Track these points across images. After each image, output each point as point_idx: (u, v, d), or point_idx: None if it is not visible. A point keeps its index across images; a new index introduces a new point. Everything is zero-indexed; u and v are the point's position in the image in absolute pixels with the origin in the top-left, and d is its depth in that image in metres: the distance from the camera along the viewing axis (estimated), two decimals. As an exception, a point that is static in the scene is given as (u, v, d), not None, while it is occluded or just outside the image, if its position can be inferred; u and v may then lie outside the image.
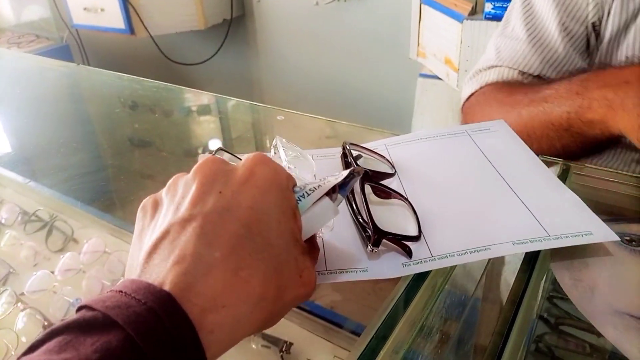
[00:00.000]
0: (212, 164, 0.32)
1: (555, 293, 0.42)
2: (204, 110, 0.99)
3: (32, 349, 0.23)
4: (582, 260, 0.40)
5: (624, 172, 0.51)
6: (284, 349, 0.53)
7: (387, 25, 1.90)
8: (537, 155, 0.50)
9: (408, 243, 0.38)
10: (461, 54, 1.45)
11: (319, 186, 0.34)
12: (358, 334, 0.38)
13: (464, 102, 0.78)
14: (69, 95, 1.16)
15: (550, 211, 0.41)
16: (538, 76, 0.71)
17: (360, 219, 0.41)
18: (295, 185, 0.35)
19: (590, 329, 0.36)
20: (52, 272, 0.66)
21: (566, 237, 0.38)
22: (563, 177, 0.50)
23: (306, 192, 0.34)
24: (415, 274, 0.37)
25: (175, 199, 0.31)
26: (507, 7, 0.77)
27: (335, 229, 0.42)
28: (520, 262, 0.41)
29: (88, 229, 0.74)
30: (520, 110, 0.63)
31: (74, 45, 2.65)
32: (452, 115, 1.60)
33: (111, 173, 0.85)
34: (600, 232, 0.39)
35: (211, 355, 0.26)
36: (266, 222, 0.30)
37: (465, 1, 1.47)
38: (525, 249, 0.38)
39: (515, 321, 0.36)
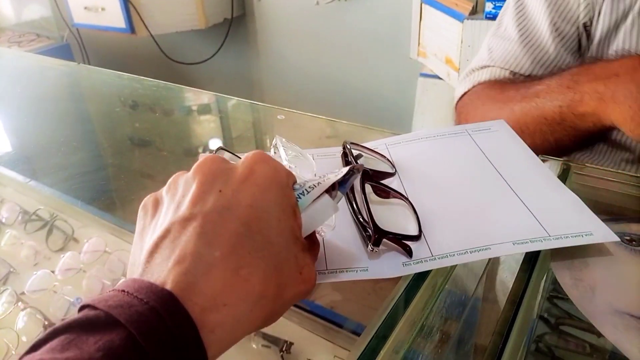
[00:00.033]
0: (212, 163, 0.32)
1: (556, 293, 0.42)
2: (205, 109, 0.99)
3: (34, 347, 0.24)
4: (583, 260, 0.40)
5: (624, 172, 0.51)
6: (284, 349, 0.53)
7: (388, 25, 1.90)
8: (537, 155, 0.50)
9: (408, 242, 0.38)
10: (462, 54, 1.45)
11: (318, 183, 0.34)
12: (358, 334, 0.38)
13: (457, 101, 0.78)
14: (69, 94, 1.16)
15: (550, 211, 0.41)
16: (529, 76, 0.71)
17: (360, 219, 0.41)
18: (295, 182, 0.35)
19: (590, 328, 0.36)
20: (53, 272, 0.66)
21: (566, 237, 0.38)
22: (563, 176, 0.50)
23: (306, 189, 0.34)
24: (415, 274, 0.37)
25: (175, 197, 0.31)
26: (507, 7, 0.76)
27: (335, 228, 0.42)
28: (521, 261, 0.41)
29: (88, 228, 0.74)
30: (513, 106, 0.63)
31: (75, 45, 2.65)
32: (452, 115, 1.60)
33: (111, 172, 0.85)
34: (600, 232, 0.39)
35: (212, 354, 0.26)
36: (266, 220, 0.30)
37: (466, 1, 1.47)
38: (526, 249, 0.38)
39: (516, 321, 0.36)
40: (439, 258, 0.38)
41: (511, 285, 0.39)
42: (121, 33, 2.13)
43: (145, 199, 0.34)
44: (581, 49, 0.68)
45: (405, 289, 0.37)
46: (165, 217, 0.30)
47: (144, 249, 0.29)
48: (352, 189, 0.45)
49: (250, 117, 0.95)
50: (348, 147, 0.51)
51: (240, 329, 0.28)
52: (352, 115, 2.14)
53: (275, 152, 0.47)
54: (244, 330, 0.28)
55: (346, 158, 0.51)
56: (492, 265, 0.43)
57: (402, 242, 0.38)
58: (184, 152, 0.88)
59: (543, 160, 0.50)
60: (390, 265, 0.38)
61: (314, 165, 0.48)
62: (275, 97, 2.41)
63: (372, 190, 0.45)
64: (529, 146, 0.50)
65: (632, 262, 0.41)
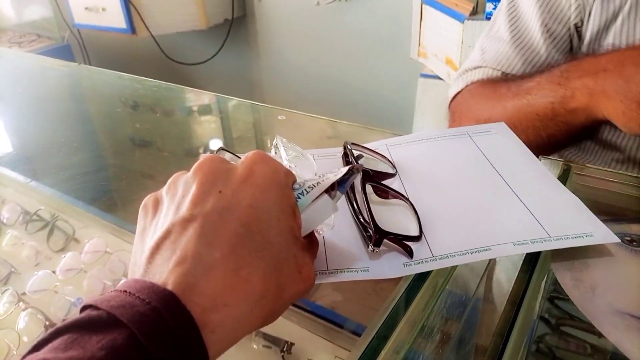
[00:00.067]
0: (211, 163, 0.32)
1: (556, 293, 0.42)
2: (205, 110, 0.99)
3: (37, 347, 0.24)
4: (583, 261, 0.40)
5: (625, 173, 0.51)
6: (285, 349, 0.53)
7: (388, 25, 1.90)
8: (537, 156, 0.50)
9: (409, 243, 0.39)
10: (462, 54, 1.45)
11: (317, 183, 0.34)
12: (359, 334, 0.38)
13: (451, 101, 0.79)
14: (70, 94, 1.16)
15: (550, 212, 0.41)
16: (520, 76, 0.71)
17: (361, 219, 0.41)
18: (294, 181, 0.35)
19: (591, 329, 0.36)
20: (54, 272, 0.66)
21: (567, 238, 0.38)
22: (564, 177, 0.50)
23: (305, 189, 0.34)
24: (416, 274, 0.37)
25: (175, 198, 0.31)
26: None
27: (336, 228, 0.42)
28: (521, 262, 0.41)
29: (89, 228, 0.74)
30: (505, 104, 0.64)
31: (75, 45, 2.65)
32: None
33: (112, 173, 0.85)
34: (600, 233, 0.39)
35: (213, 353, 0.26)
36: (266, 220, 0.30)
37: (467, 1, 1.47)
38: (526, 250, 0.38)
39: (516, 321, 0.36)
40: (439, 259, 0.38)
41: (512, 286, 0.39)
42: (122, 33, 2.13)
43: (146, 199, 0.34)
44: (572, 49, 0.69)
45: (406, 289, 0.37)
46: (166, 217, 0.30)
47: (145, 250, 0.29)
48: (353, 190, 0.45)
49: (251, 117, 0.95)
50: (349, 147, 0.51)
51: (240, 329, 0.28)
52: (353, 116, 2.14)
53: (276, 152, 0.47)
54: (244, 330, 0.28)
55: (347, 159, 0.51)
56: (493, 265, 0.43)
57: (402, 243, 0.38)
58: (185, 152, 0.89)
59: (544, 160, 0.50)
60: (391, 266, 0.38)
61: (314, 165, 0.49)
62: (276, 98, 2.41)
63: (372, 191, 0.45)
64: (523, 142, 0.51)
65: (633, 262, 0.41)
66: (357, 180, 0.44)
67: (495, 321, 0.37)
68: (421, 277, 0.37)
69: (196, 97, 1.03)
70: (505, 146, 0.52)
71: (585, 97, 0.54)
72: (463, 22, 1.42)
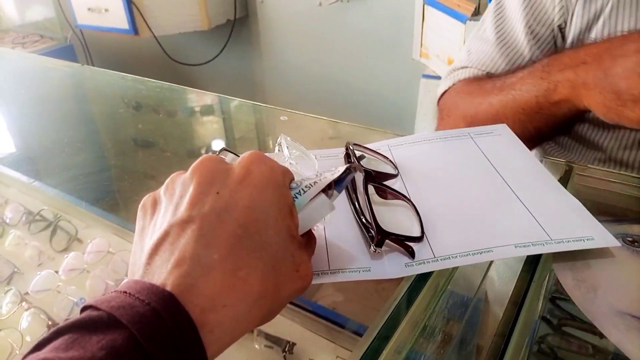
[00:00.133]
0: (209, 164, 0.32)
1: (558, 294, 0.42)
2: (207, 110, 0.99)
3: (38, 347, 0.24)
4: (585, 262, 0.40)
5: (626, 174, 0.51)
6: (286, 349, 0.53)
7: (390, 26, 1.90)
8: (542, 159, 0.50)
9: (411, 244, 0.39)
10: (464, 55, 1.44)
11: (315, 182, 0.35)
12: (360, 334, 0.38)
13: (439, 99, 0.81)
14: (73, 95, 1.16)
15: (552, 215, 0.41)
16: None
17: (363, 220, 0.41)
18: (292, 180, 0.35)
19: (592, 329, 0.36)
20: (57, 272, 0.66)
21: (568, 241, 0.38)
22: (565, 178, 0.50)
23: (302, 189, 0.34)
24: (417, 275, 0.37)
25: (173, 198, 0.31)
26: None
27: (338, 229, 0.42)
28: (523, 262, 0.41)
29: (92, 228, 0.75)
30: (491, 100, 0.65)
31: (78, 46, 2.66)
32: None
33: (115, 173, 0.85)
34: (601, 237, 0.39)
35: (211, 353, 0.26)
36: (263, 220, 0.30)
37: (468, 2, 1.47)
38: (527, 252, 0.38)
39: (518, 322, 0.36)
40: (441, 259, 0.38)
41: (513, 286, 0.39)
42: (124, 34, 2.13)
43: (144, 198, 0.34)
44: (556, 49, 0.70)
45: (407, 289, 0.37)
46: (164, 218, 0.30)
47: (144, 251, 0.29)
48: (355, 190, 0.45)
49: (253, 118, 0.95)
50: (351, 148, 0.51)
51: (239, 328, 0.28)
52: (355, 116, 2.14)
53: (279, 150, 0.47)
54: (242, 329, 0.29)
55: (349, 159, 0.51)
56: (494, 266, 0.43)
57: (404, 243, 0.38)
58: (187, 153, 0.89)
59: (546, 162, 0.50)
60: (392, 266, 0.38)
61: (316, 164, 0.49)
62: (278, 98, 2.41)
63: (374, 192, 0.45)
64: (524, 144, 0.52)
65: (634, 263, 0.41)
66: (359, 180, 0.44)
67: (496, 321, 0.37)
68: (423, 278, 0.37)
69: (198, 98, 1.04)
70: (507, 148, 0.52)
71: (567, 89, 0.56)
72: (465, 23, 1.42)
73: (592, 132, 0.67)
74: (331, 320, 0.55)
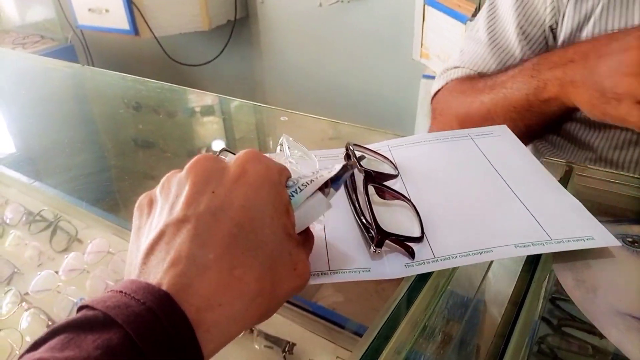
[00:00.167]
0: (204, 163, 0.32)
1: (558, 294, 0.42)
2: (208, 111, 0.99)
3: (34, 346, 0.24)
4: (585, 262, 0.40)
5: (626, 174, 0.51)
6: (286, 350, 0.53)
7: (391, 26, 1.90)
8: (539, 159, 0.50)
9: (411, 244, 0.39)
10: (464, 55, 1.45)
11: (311, 181, 0.35)
12: (360, 335, 0.38)
13: (432, 98, 0.82)
14: (73, 95, 1.16)
15: (552, 215, 0.41)
16: None
17: (363, 220, 0.41)
18: (289, 177, 0.35)
19: (592, 330, 0.36)
20: (57, 272, 0.66)
21: (568, 241, 0.38)
22: (566, 178, 0.50)
23: (299, 187, 0.34)
24: (417, 275, 0.37)
25: (169, 198, 0.31)
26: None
27: (338, 229, 0.42)
28: (523, 263, 0.41)
29: (92, 229, 0.75)
30: (483, 98, 0.67)
31: (79, 46, 2.66)
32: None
33: (115, 173, 0.85)
34: (601, 236, 0.39)
35: (208, 351, 0.26)
36: (259, 219, 0.30)
37: (469, 2, 1.47)
38: (527, 252, 0.38)
39: (517, 322, 0.36)
40: (441, 260, 0.38)
41: (513, 287, 0.39)
42: (125, 35, 2.13)
43: (140, 198, 0.34)
44: (548, 49, 0.70)
45: (407, 290, 0.37)
46: (160, 218, 0.30)
47: (140, 250, 0.29)
48: (355, 191, 0.45)
49: (253, 118, 0.95)
50: (351, 148, 0.51)
51: (235, 327, 0.28)
52: (355, 117, 2.14)
53: (280, 150, 0.47)
54: (239, 328, 0.29)
55: (349, 160, 0.51)
56: (494, 266, 0.43)
57: (404, 244, 0.38)
58: (188, 153, 0.89)
59: (546, 162, 0.50)
60: (392, 267, 0.38)
61: (317, 164, 0.49)
62: (278, 99, 2.41)
63: (374, 192, 0.45)
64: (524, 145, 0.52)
65: (634, 263, 0.41)
66: (359, 181, 0.44)
67: (496, 322, 0.37)
68: (423, 278, 0.37)
69: (199, 98, 1.04)
70: (507, 148, 0.52)
71: (556, 87, 0.57)
72: (465, 23, 1.42)
73: (583, 132, 0.68)
74: (331, 320, 0.55)
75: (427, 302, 0.36)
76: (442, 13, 1.53)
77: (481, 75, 0.73)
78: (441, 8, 1.53)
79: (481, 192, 0.46)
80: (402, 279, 0.37)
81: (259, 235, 0.30)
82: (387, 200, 0.45)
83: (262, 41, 2.30)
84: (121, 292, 0.26)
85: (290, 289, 0.32)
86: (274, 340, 0.54)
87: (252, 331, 0.54)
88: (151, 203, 0.33)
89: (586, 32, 0.63)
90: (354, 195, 0.44)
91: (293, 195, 0.34)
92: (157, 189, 0.33)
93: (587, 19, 0.63)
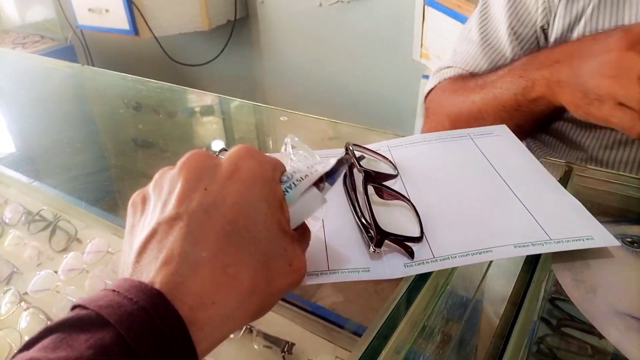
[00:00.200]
0: (197, 159, 0.32)
1: (557, 294, 0.42)
2: (208, 111, 0.99)
3: (27, 346, 0.24)
4: (584, 262, 0.40)
5: (625, 174, 0.51)
6: (285, 350, 0.53)
7: (390, 26, 1.90)
8: (539, 159, 0.50)
9: (410, 244, 0.39)
10: (464, 56, 1.44)
11: (306, 176, 0.34)
12: (359, 335, 0.38)
13: (426, 97, 0.83)
14: (73, 95, 1.16)
15: (551, 215, 0.41)
16: None
17: (362, 220, 0.41)
18: (284, 172, 0.34)
19: (591, 330, 0.36)
20: (56, 272, 0.66)
21: (567, 241, 0.38)
22: (565, 178, 0.50)
23: (293, 182, 0.34)
24: (417, 275, 0.37)
25: (161, 195, 0.31)
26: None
27: (338, 229, 0.42)
28: (522, 263, 0.41)
29: (91, 229, 0.75)
30: (474, 98, 0.67)
31: (79, 46, 2.66)
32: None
33: (115, 173, 0.85)
34: (601, 236, 0.39)
35: (202, 350, 0.26)
36: (253, 216, 0.30)
37: (468, 2, 1.47)
38: (527, 252, 0.38)
39: (517, 322, 0.36)
40: (440, 260, 0.38)
41: (512, 287, 0.39)
42: (125, 35, 2.13)
43: (134, 195, 0.34)
44: (539, 49, 0.71)
45: (406, 290, 0.37)
46: (152, 216, 0.30)
47: (133, 249, 0.29)
48: (354, 190, 0.45)
49: (253, 118, 0.95)
50: (350, 148, 0.51)
51: (230, 325, 0.28)
52: (355, 117, 2.14)
53: (285, 150, 0.47)
54: (234, 326, 0.29)
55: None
56: (494, 266, 0.43)
57: (404, 244, 0.38)
58: (187, 153, 0.89)
59: (545, 162, 0.50)
60: (392, 266, 0.38)
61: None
62: (278, 99, 2.41)
63: (374, 192, 0.45)
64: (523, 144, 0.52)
65: (633, 263, 0.41)
66: (359, 181, 0.44)
67: (495, 322, 0.37)
68: (422, 278, 0.37)
69: (198, 98, 1.04)
70: (507, 148, 0.52)
71: (543, 87, 0.58)
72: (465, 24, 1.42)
73: (575, 132, 0.68)
74: (330, 320, 0.55)
75: (426, 302, 0.36)
76: (442, 13, 1.53)
77: (472, 75, 0.73)
78: (441, 8, 1.53)
79: (481, 192, 0.46)
80: (401, 279, 0.37)
81: (253, 232, 0.30)
82: (387, 200, 0.45)
83: (262, 41, 2.30)
84: (114, 290, 0.26)
85: (286, 285, 0.32)
86: (273, 340, 0.54)
87: (251, 331, 0.54)
88: (144, 200, 0.33)
89: (577, 33, 0.64)
90: (353, 195, 0.44)
91: (287, 191, 0.33)
92: (150, 186, 0.33)
93: (578, 19, 0.63)
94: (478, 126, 0.56)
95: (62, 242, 0.73)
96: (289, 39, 2.21)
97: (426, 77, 1.68)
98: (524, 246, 0.38)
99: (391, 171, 0.49)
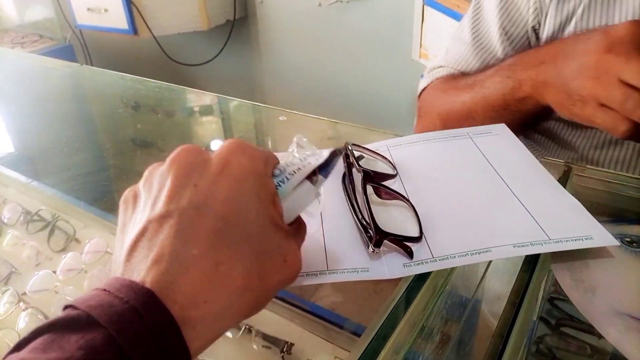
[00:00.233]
0: (186, 154, 0.31)
1: (556, 294, 0.42)
2: (207, 110, 0.99)
3: (18, 347, 0.24)
4: (583, 262, 0.40)
5: (625, 174, 0.51)
6: (284, 350, 0.53)
7: (390, 26, 1.90)
8: (538, 159, 0.50)
9: (409, 244, 0.39)
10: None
11: (298, 169, 0.34)
12: (358, 335, 0.38)
13: (418, 96, 0.83)
14: (72, 95, 1.16)
15: (550, 215, 0.41)
16: None
17: (361, 220, 0.41)
18: (276, 165, 0.34)
19: (591, 330, 0.36)
20: (54, 272, 0.66)
21: (567, 241, 0.38)
22: (564, 178, 0.50)
23: (286, 176, 0.33)
24: (416, 275, 0.37)
25: (151, 193, 0.31)
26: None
27: (337, 229, 0.42)
28: (521, 262, 0.41)
29: (90, 229, 0.74)
30: (463, 97, 0.68)
31: (77, 46, 2.65)
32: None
33: (113, 173, 0.85)
34: (600, 236, 0.39)
35: (195, 349, 0.26)
36: (244, 212, 0.30)
37: (468, 2, 1.47)
38: (526, 252, 0.38)
39: (516, 322, 0.36)
40: (439, 260, 0.38)
41: (511, 287, 0.39)
42: (124, 34, 2.13)
43: (125, 192, 0.33)
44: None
45: (406, 290, 0.37)
46: (143, 214, 0.30)
47: (124, 247, 0.29)
48: (353, 190, 0.45)
49: (252, 118, 0.95)
50: (349, 148, 0.51)
51: (223, 323, 0.28)
52: (354, 117, 2.14)
53: (291, 149, 0.46)
54: (227, 324, 0.28)
55: (347, 159, 0.51)
56: (493, 266, 0.43)
57: (403, 244, 0.38)
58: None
59: (544, 161, 0.50)
60: (391, 267, 0.38)
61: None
62: (277, 99, 2.41)
63: (373, 192, 0.45)
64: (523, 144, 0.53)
65: (633, 263, 0.41)
66: (358, 181, 0.44)
67: (494, 322, 0.37)
68: (421, 278, 0.37)
69: (197, 98, 1.04)
70: (506, 147, 0.52)
71: (530, 87, 0.58)
72: (464, 24, 1.42)
73: (565, 131, 0.69)
74: (329, 320, 0.55)
75: (425, 302, 0.36)
76: (441, 13, 1.53)
77: (463, 75, 0.74)
78: (440, 8, 1.53)
79: (480, 192, 0.46)
80: (400, 279, 0.37)
81: (245, 228, 0.29)
82: (386, 200, 0.45)
83: (261, 41, 2.30)
84: (105, 290, 0.25)
85: (281, 281, 0.31)
86: (272, 340, 0.54)
87: (250, 331, 0.54)
88: (135, 197, 0.32)
89: (568, 32, 0.64)
90: (352, 195, 0.44)
91: (280, 185, 0.33)
92: (141, 183, 0.33)
93: (568, 19, 0.63)
94: (468, 125, 0.56)
95: (61, 242, 0.73)
96: (288, 38, 2.21)
97: (425, 77, 1.68)
98: (523, 246, 0.38)
99: (390, 171, 0.49)
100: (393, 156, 0.52)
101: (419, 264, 0.38)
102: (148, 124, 0.96)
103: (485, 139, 0.53)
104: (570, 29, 0.63)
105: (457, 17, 1.45)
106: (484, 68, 0.71)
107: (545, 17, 0.65)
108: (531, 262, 0.41)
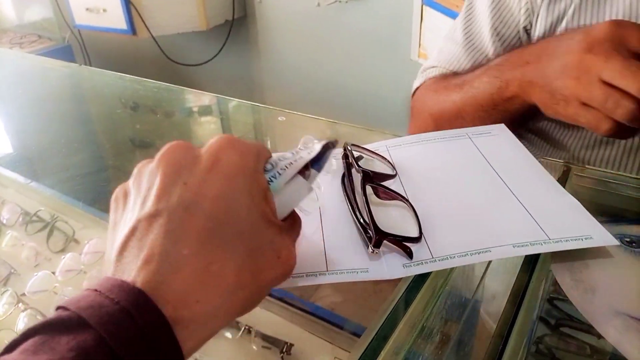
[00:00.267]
0: (175, 151, 0.31)
1: (556, 294, 0.42)
2: (205, 111, 0.99)
3: (9, 349, 0.24)
4: (583, 262, 0.40)
5: (624, 174, 0.51)
6: (284, 350, 0.53)
7: (389, 26, 1.90)
8: (537, 159, 0.50)
9: (409, 244, 0.39)
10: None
11: (290, 163, 0.33)
12: (358, 335, 0.38)
13: (412, 96, 0.85)
14: (70, 95, 1.16)
15: (550, 215, 0.41)
16: None
17: (361, 220, 0.41)
18: (268, 159, 0.33)
19: (590, 330, 0.36)
20: (53, 273, 0.66)
21: (566, 240, 0.38)
22: (564, 178, 0.50)
23: (278, 171, 0.33)
24: (415, 275, 0.37)
25: (141, 191, 0.30)
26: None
27: (336, 229, 0.42)
28: (521, 263, 0.41)
29: (89, 229, 0.74)
30: (454, 97, 0.69)
31: (76, 46, 2.65)
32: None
33: (112, 174, 0.85)
34: (599, 236, 0.39)
35: (188, 349, 0.26)
36: (235, 209, 0.29)
37: (467, 2, 1.47)
38: (526, 252, 0.38)
39: (516, 322, 0.36)
40: (439, 260, 0.38)
41: (511, 287, 0.39)
42: (122, 34, 2.13)
43: (116, 190, 0.33)
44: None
45: (405, 290, 0.37)
46: (133, 212, 0.29)
47: (114, 246, 0.29)
48: (353, 191, 0.45)
49: (251, 118, 0.95)
50: (349, 148, 0.51)
51: (216, 322, 0.28)
52: (353, 117, 2.14)
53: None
54: (220, 323, 0.28)
55: (347, 160, 0.51)
56: (493, 266, 0.43)
57: (402, 244, 0.38)
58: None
59: (544, 161, 0.50)
60: (390, 267, 0.38)
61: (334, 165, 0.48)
62: (276, 99, 2.41)
63: (372, 192, 0.45)
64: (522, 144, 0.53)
65: (632, 263, 0.41)
66: (357, 181, 0.44)
67: (494, 322, 0.37)
68: (421, 278, 0.37)
69: (196, 98, 1.04)
70: (505, 148, 0.52)
71: (516, 87, 0.59)
72: (463, 24, 1.42)
73: (557, 131, 0.69)
74: (329, 321, 0.55)
75: (425, 302, 0.36)
76: (440, 13, 1.53)
77: (455, 75, 0.74)
78: (439, 8, 1.53)
79: (479, 192, 0.46)
80: (400, 279, 0.37)
81: (236, 226, 0.29)
82: (385, 200, 0.45)
83: (260, 41, 2.30)
84: (96, 290, 0.25)
85: (275, 277, 0.31)
86: (271, 341, 0.54)
87: (249, 332, 0.54)
88: (126, 195, 0.32)
89: (559, 33, 0.64)
90: (351, 195, 0.44)
91: (272, 180, 0.32)
92: (130, 181, 0.32)
93: (560, 19, 0.64)
94: (459, 125, 0.57)
95: (60, 242, 0.73)
96: (287, 38, 2.21)
97: (424, 77, 1.68)
98: (522, 246, 0.38)
99: (390, 171, 0.49)
100: (392, 156, 0.52)
101: (418, 264, 0.38)
102: (147, 124, 0.96)
103: (485, 139, 0.53)
104: (561, 29, 0.64)
105: (455, 17, 1.45)
106: (473, 67, 0.72)
107: (537, 18, 0.66)
108: (531, 262, 0.41)
